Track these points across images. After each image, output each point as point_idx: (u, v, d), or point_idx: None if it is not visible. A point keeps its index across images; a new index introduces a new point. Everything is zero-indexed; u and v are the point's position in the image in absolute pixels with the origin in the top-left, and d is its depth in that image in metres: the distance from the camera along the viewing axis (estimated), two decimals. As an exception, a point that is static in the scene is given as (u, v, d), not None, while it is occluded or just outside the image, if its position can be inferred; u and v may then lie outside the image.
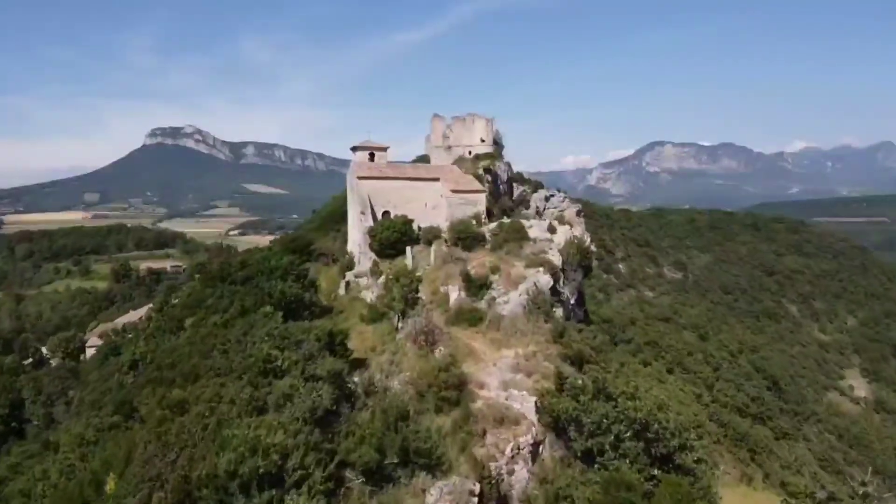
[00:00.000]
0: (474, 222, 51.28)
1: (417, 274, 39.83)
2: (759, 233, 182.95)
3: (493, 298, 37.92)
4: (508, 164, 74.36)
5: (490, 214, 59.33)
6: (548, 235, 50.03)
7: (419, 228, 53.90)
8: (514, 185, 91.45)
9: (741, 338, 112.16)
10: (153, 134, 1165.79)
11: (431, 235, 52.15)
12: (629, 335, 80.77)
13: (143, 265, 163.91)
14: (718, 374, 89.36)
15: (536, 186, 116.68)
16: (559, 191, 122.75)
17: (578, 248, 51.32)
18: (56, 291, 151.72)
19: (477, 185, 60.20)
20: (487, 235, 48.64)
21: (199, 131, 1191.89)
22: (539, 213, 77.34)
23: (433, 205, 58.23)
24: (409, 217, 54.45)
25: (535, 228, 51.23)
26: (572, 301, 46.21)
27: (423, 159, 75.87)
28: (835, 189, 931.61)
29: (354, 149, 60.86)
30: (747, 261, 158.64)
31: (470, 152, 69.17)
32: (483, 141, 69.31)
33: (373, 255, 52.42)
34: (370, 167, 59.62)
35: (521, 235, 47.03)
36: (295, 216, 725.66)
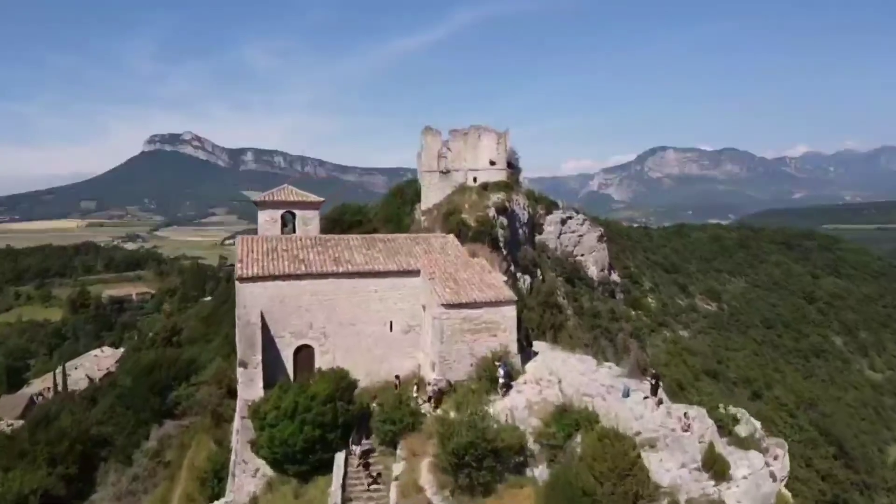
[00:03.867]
0: (495, 379, 26.59)
1: None
2: (790, 251, 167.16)
3: None
4: (528, 195, 56.68)
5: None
6: (704, 479, 21.34)
7: (371, 407, 27.98)
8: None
9: (795, 387, 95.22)
10: (151, 140, 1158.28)
11: (397, 422, 25.70)
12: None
13: (106, 292, 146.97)
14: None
15: (550, 207, 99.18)
16: (577, 212, 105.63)
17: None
18: (7, 323, 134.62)
19: (497, 287, 30.10)
20: (531, 441, 23.57)
21: (198, 138, 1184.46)
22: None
23: (406, 327, 30.73)
24: (352, 367, 28.50)
25: (670, 455, 21.84)
26: None
27: (412, 187, 58.39)
28: (838, 193, 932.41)
29: (260, 206, 33.85)
30: (783, 285, 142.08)
31: (475, 179, 51.37)
32: (493, 163, 51.24)
33: (259, 468, 26.43)
34: (274, 247, 30.60)
35: (637, 483, 19.38)
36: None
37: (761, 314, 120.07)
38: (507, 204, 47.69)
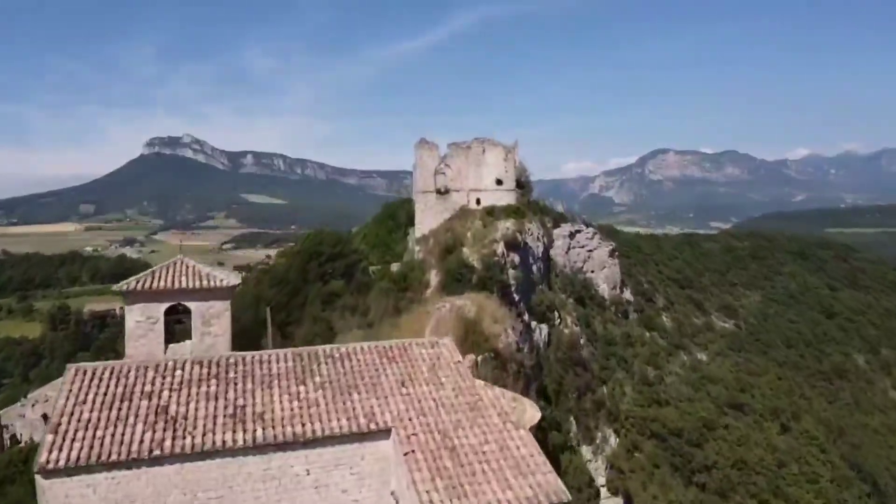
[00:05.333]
0: None
1: None
2: (805, 261, 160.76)
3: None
4: (543, 219, 48.97)
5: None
6: None
7: None
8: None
9: (822, 415, 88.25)
10: (151, 143, 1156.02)
11: None
12: (710, 456, 56.40)
13: (89, 306, 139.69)
14: (819, 489, 65.20)
15: (557, 220, 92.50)
16: (587, 225, 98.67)
17: None
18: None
19: (533, 471, 15.95)
20: None
21: (197, 140, 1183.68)
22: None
23: None
24: None
25: None
26: None
27: (405, 208, 50.97)
28: (840, 196, 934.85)
29: (128, 298, 20.57)
30: (801, 300, 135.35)
31: (478, 201, 43.60)
32: (500, 183, 43.37)
33: None
34: (128, 389, 16.71)
35: None
36: (293, 227, 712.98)
37: (781, 332, 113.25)
38: (518, 236, 39.49)
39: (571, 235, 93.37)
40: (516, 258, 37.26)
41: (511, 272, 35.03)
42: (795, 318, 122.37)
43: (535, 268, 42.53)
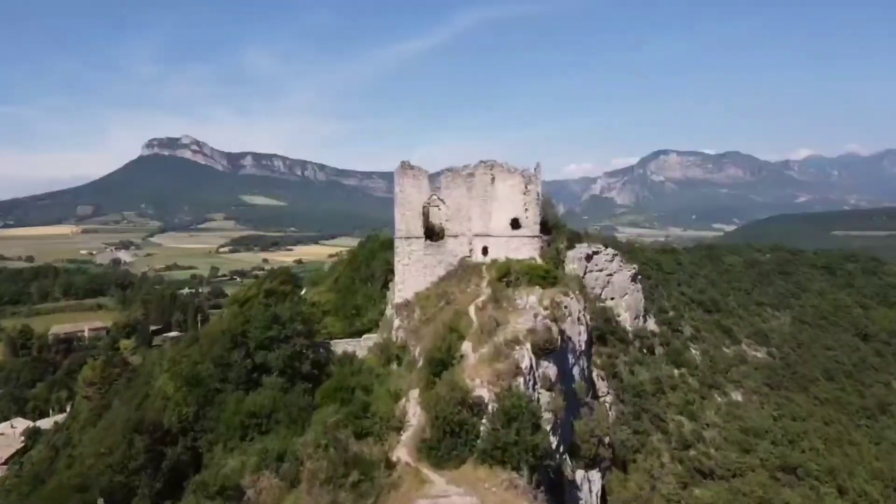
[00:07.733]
0: None
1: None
2: (833, 276, 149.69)
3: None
4: (581, 286, 32.85)
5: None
6: None
7: None
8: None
9: (875, 466, 76.96)
10: (150, 144, 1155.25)
11: None
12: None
13: (55, 327, 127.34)
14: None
15: (571, 240, 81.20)
16: (605, 246, 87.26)
17: None
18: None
19: None
20: None
21: (197, 142, 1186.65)
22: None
23: None
24: None
25: None
26: None
27: (383, 256, 38.25)
28: (842, 197, 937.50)
29: None
30: (833, 320, 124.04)
31: (486, 251, 29.37)
32: (517, 225, 29.01)
33: None
34: None
35: None
36: (293, 229, 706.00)
37: (818, 362, 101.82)
38: (553, 328, 23.52)
39: (588, 258, 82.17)
40: (552, 370, 22.70)
41: (545, 398, 20.11)
42: (831, 345, 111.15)
43: (576, 370, 26.38)
